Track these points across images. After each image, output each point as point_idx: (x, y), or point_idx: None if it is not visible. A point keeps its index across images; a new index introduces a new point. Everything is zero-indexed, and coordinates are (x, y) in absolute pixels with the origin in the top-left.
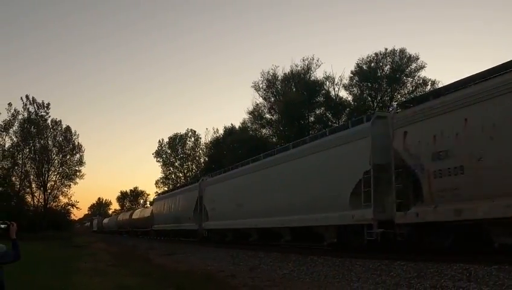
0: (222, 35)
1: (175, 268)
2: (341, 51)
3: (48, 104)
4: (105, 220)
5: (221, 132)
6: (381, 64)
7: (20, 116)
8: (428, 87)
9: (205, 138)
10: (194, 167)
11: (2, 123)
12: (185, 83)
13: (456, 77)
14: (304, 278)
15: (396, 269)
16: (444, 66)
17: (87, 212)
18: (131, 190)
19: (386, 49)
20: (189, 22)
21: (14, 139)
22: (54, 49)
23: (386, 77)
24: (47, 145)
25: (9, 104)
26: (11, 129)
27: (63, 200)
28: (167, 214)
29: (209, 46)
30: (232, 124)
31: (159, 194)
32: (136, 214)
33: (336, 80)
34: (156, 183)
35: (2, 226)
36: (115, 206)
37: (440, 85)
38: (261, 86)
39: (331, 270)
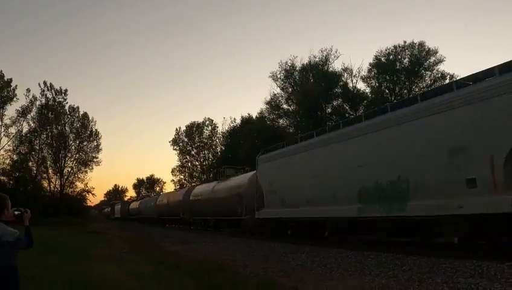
0: (241, 24)
1: (189, 257)
2: (359, 43)
3: (66, 90)
4: (135, 204)
5: (238, 121)
6: (399, 57)
7: (37, 102)
8: (447, 81)
9: (222, 127)
10: (210, 155)
11: (20, 109)
12: (202, 71)
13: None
14: (316, 270)
15: (409, 263)
16: (463, 60)
17: (103, 199)
18: (147, 177)
19: (405, 42)
20: (207, 11)
21: (32, 125)
22: (72, 36)
23: (404, 70)
24: (64, 131)
25: (28, 90)
26: (29, 115)
27: (79, 186)
28: (329, 183)
29: (227, 35)
30: (249, 114)
31: (268, 149)
32: (203, 192)
33: (354, 72)
34: (173, 171)
35: (16, 213)
36: (131, 193)
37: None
38: (278, 76)
39: (343, 262)
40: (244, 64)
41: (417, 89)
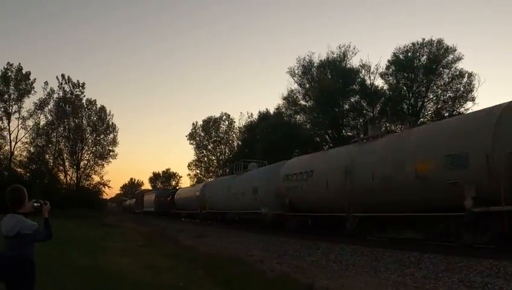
0: (259, 19)
1: (204, 251)
2: (378, 40)
3: (83, 83)
4: (188, 193)
5: (255, 116)
6: (418, 54)
7: (55, 95)
8: (465, 79)
9: (239, 122)
10: (227, 150)
11: (37, 101)
12: (220, 66)
13: (493, 69)
14: (332, 266)
15: (425, 261)
16: (481, 58)
17: (119, 192)
18: (163, 171)
19: (424, 39)
20: (224, 6)
21: (49, 118)
22: (89, 30)
23: (422, 67)
24: (81, 124)
25: (46, 83)
26: (47, 107)
27: (96, 179)
28: None
29: (245, 30)
30: (267, 109)
31: None
32: None
33: (372, 69)
34: (189, 165)
35: (35, 204)
36: (147, 186)
37: (477, 77)
38: (296, 71)
39: (359, 259)
40: (263, 59)
41: (435, 87)
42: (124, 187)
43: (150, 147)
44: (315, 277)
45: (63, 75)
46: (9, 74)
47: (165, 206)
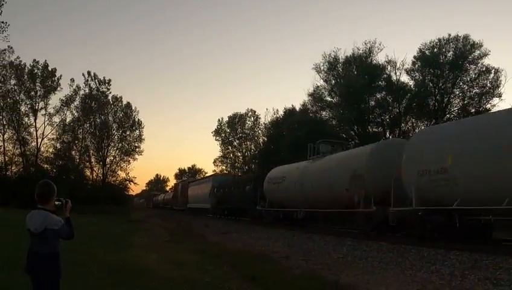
0: (285, 14)
1: (230, 247)
2: (403, 36)
3: (109, 80)
4: (303, 173)
5: (281, 112)
6: (444, 50)
7: (81, 92)
8: (492, 75)
9: (265, 118)
10: (252, 146)
11: (64, 98)
12: (246, 62)
13: None
14: (358, 263)
15: (451, 258)
16: (508, 54)
17: (144, 188)
18: (189, 168)
19: (450, 35)
20: (249, 2)
21: (75, 114)
22: (115, 26)
23: (448, 63)
24: (107, 120)
25: (72, 80)
26: (73, 104)
27: (122, 175)
28: None
29: (270, 26)
30: (292, 105)
31: None
32: None
33: (398, 65)
34: (214, 161)
35: (56, 203)
36: (173, 183)
37: (503, 73)
38: (322, 67)
39: (385, 256)
40: (288, 55)
41: (461, 83)
42: (149, 183)
43: (175, 143)
44: (341, 274)
45: (89, 72)
46: (36, 70)
47: (235, 201)
